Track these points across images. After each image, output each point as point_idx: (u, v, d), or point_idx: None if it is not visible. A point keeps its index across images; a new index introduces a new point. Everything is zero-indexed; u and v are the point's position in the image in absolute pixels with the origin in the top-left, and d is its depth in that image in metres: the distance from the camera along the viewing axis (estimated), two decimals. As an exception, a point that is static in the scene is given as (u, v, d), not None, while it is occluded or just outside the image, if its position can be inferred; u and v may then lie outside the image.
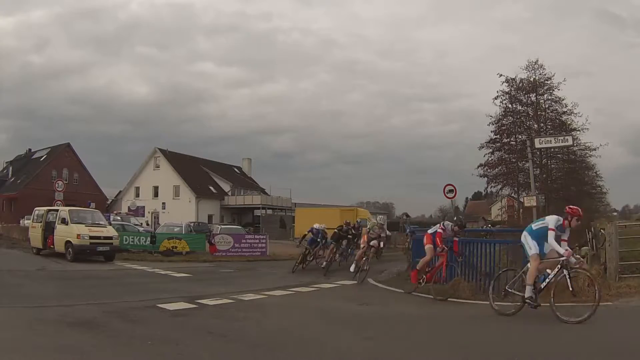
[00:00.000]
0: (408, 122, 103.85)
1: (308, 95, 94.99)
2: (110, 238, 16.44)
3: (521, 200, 20.97)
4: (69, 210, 17.06)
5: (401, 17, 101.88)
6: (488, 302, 7.53)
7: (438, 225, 9.73)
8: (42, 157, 48.64)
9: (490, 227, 31.91)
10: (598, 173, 25.70)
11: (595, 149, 21.78)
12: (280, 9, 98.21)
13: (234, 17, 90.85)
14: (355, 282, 11.68)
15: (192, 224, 29.58)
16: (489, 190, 27.27)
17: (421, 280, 9.52)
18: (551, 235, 6.86)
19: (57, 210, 17.39)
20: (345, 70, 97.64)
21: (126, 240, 19.04)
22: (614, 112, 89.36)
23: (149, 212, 40.54)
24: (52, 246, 16.61)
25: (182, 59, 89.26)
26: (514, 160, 22.30)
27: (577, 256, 7.38)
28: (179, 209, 43.30)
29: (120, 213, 35.06)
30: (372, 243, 12.21)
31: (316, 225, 15.16)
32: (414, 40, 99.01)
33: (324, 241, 14.88)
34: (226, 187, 50.88)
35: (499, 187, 24.31)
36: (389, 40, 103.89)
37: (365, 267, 11.80)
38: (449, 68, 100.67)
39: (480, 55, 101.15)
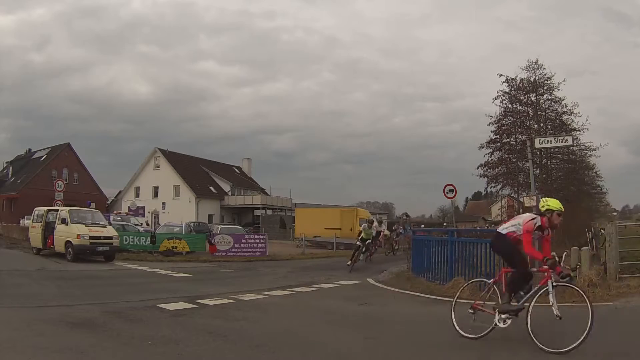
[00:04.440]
0: (410, 121, 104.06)
1: (310, 94, 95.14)
2: (110, 238, 16.45)
3: (521, 200, 20.96)
4: (69, 210, 17.05)
5: (404, 16, 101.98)
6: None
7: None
8: (42, 157, 48.64)
9: (488, 227, 32.02)
10: (598, 173, 25.83)
11: (595, 149, 21.84)
12: (284, 8, 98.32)
13: (237, 16, 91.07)
14: (357, 282, 12.22)
15: (192, 224, 29.60)
16: (489, 190, 27.42)
17: None
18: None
19: (57, 210, 17.40)
20: (348, 70, 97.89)
21: (126, 240, 19.06)
22: (616, 112, 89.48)
23: (149, 212, 40.51)
24: (52, 246, 16.63)
25: (184, 58, 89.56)
26: (514, 160, 22.35)
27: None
28: (179, 209, 43.29)
29: (120, 213, 35.04)
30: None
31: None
32: (417, 39, 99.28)
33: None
34: (226, 187, 50.87)
35: (499, 187, 24.42)
36: (392, 39, 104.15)
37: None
38: (452, 67, 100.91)
39: (483, 54, 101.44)
